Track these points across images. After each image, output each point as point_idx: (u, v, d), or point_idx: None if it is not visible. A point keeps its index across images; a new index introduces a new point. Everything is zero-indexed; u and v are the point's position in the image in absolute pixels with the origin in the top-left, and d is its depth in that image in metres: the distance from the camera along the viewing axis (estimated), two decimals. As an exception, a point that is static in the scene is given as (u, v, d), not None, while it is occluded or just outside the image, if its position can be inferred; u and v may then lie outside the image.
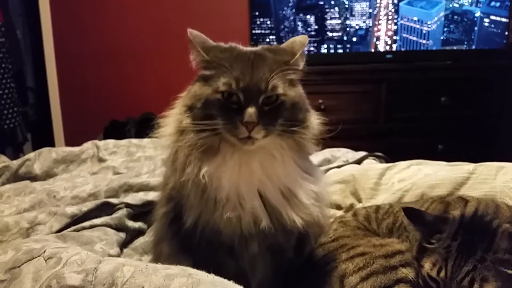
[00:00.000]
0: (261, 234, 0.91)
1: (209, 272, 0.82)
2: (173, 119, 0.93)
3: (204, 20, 3.19)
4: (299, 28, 3.04)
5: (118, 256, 1.19)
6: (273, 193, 0.90)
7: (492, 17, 2.92)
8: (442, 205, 1.05)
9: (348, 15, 3.01)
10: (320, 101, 2.77)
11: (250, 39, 3.01)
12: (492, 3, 2.91)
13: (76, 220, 1.24)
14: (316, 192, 0.94)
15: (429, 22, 2.99)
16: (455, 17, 2.95)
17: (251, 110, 0.83)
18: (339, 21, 3.02)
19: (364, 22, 3.01)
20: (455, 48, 2.98)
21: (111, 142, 1.98)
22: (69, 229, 1.21)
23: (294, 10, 3.02)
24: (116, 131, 3.15)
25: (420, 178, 1.39)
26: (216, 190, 0.88)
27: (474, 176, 1.30)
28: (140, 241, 1.30)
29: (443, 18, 2.96)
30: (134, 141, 1.99)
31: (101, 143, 1.96)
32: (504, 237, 0.83)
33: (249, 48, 0.96)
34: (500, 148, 2.88)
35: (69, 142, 3.44)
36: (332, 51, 3.04)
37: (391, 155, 1.92)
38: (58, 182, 1.68)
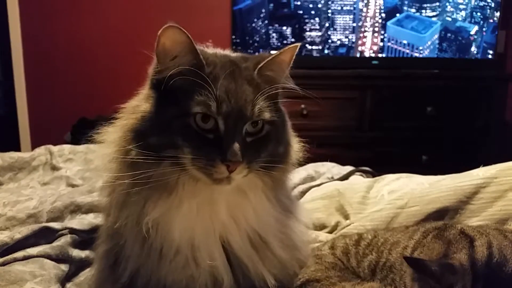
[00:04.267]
0: None
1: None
2: (113, 146, 0.72)
3: (184, 16, 2.99)
4: (274, 41, 2.75)
5: (57, 294, 0.99)
6: (240, 241, 0.72)
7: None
8: (441, 242, 0.86)
9: (330, 26, 2.76)
10: (303, 106, 2.62)
11: (232, 43, 2.79)
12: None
13: (7, 249, 1.04)
14: (293, 239, 0.76)
15: (421, 48, 2.76)
16: (448, 34, 2.74)
17: (236, 146, 0.64)
18: (319, 33, 2.77)
19: (346, 37, 2.76)
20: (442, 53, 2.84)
21: (66, 147, 1.76)
22: (-4, 262, 1.00)
23: (266, 21, 2.74)
24: (85, 129, 2.93)
25: (414, 188, 1.20)
26: (163, 240, 0.68)
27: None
28: (87, 273, 1.09)
29: (437, 41, 2.74)
30: (93, 147, 1.77)
31: (56, 148, 1.74)
32: None
33: (222, 52, 0.77)
34: (486, 161, 2.78)
35: (36, 139, 3.26)
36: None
37: (374, 166, 1.80)
38: (1, 194, 1.47)
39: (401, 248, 0.90)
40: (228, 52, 0.79)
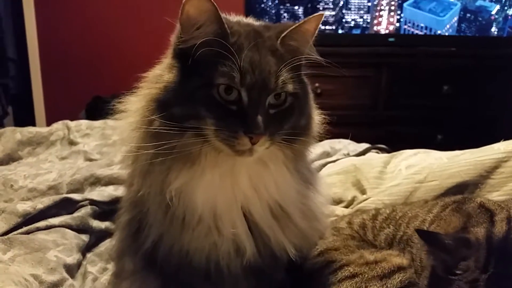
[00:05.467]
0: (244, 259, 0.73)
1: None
2: (136, 115, 0.72)
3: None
4: (285, 21, 2.61)
5: (79, 264, 1.02)
6: (261, 211, 0.72)
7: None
8: (459, 215, 0.85)
9: (344, 5, 2.64)
10: (317, 84, 2.59)
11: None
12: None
13: (29, 219, 1.06)
14: (313, 210, 0.76)
15: (439, 32, 2.65)
16: (468, 15, 2.61)
17: (259, 118, 0.64)
18: (333, 13, 2.64)
19: (361, 17, 2.65)
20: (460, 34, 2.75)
21: (84, 122, 1.78)
22: (19, 230, 1.02)
23: (277, 1, 2.62)
24: (100, 108, 2.95)
25: (432, 162, 1.19)
26: (186, 208, 0.69)
27: None
28: (106, 244, 1.12)
29: (456, 24, 2.61)
30: (110, 122, 1.78)
31: (73, 123, 1.76)
32: None
33: (245, 21, 0.76)
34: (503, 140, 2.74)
35: (51, 118, 3.21)
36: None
37: (388, 144, 1.79)
38: (21, 167, 1.49)
39: (419, 222, 0.89)
40: (251, 20, 0.78)
